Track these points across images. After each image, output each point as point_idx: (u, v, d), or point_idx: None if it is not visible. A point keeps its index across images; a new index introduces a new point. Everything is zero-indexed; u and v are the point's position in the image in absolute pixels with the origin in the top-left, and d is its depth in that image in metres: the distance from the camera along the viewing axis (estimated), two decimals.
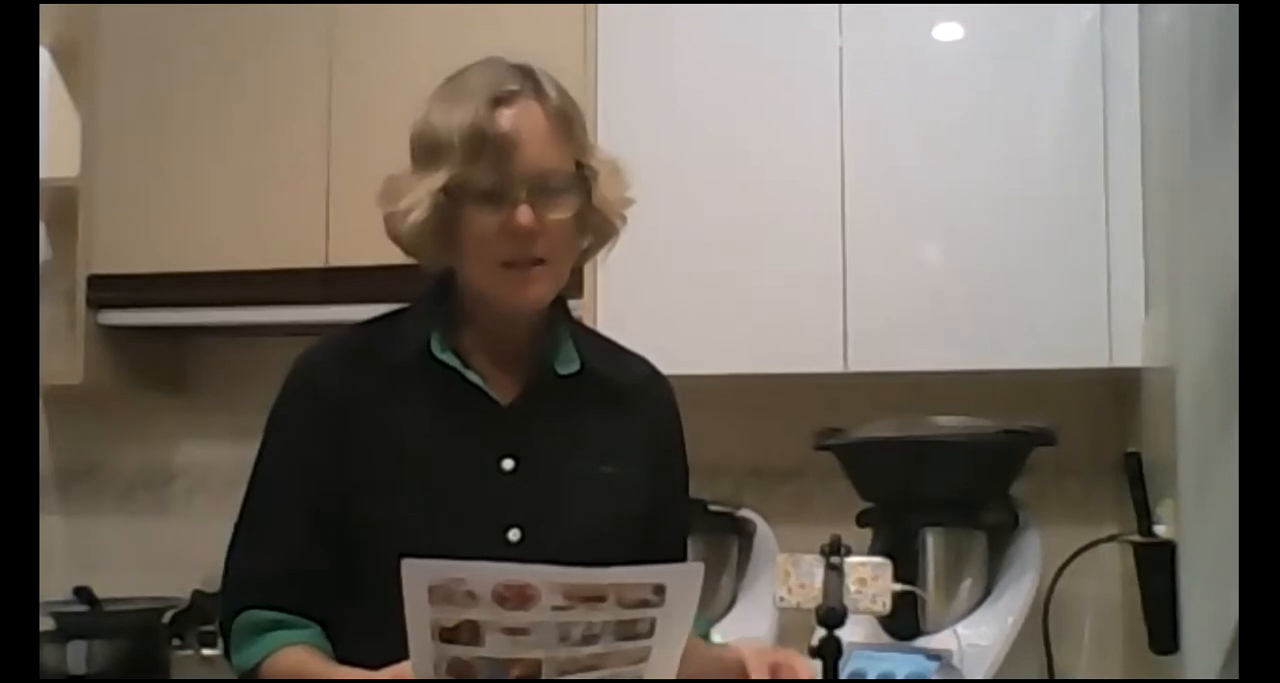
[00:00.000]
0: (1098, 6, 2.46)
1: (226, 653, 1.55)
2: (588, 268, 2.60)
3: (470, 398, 1.54)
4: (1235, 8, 1.60)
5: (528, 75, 1.52)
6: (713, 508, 2.68)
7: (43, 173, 2.19)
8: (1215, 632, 1.68)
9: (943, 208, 2.51)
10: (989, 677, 2.32)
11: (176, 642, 2.86)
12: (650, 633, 1.28)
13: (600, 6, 2.67)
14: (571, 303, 2.57)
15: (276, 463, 1.57)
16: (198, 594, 2.91)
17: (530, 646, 1.23)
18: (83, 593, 2.78)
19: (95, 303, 2.92)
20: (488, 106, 1.48)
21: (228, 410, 3.13)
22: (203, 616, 2.88)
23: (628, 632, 1.27)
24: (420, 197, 1.48)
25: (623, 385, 1.62)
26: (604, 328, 2.54)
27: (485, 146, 1.46)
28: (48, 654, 2.69)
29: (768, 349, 2.55)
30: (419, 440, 1.52)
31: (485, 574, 1.22)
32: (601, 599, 1.24)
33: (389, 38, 2.80)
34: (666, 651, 1.29)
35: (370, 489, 1.51)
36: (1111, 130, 2.43)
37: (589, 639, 1.25)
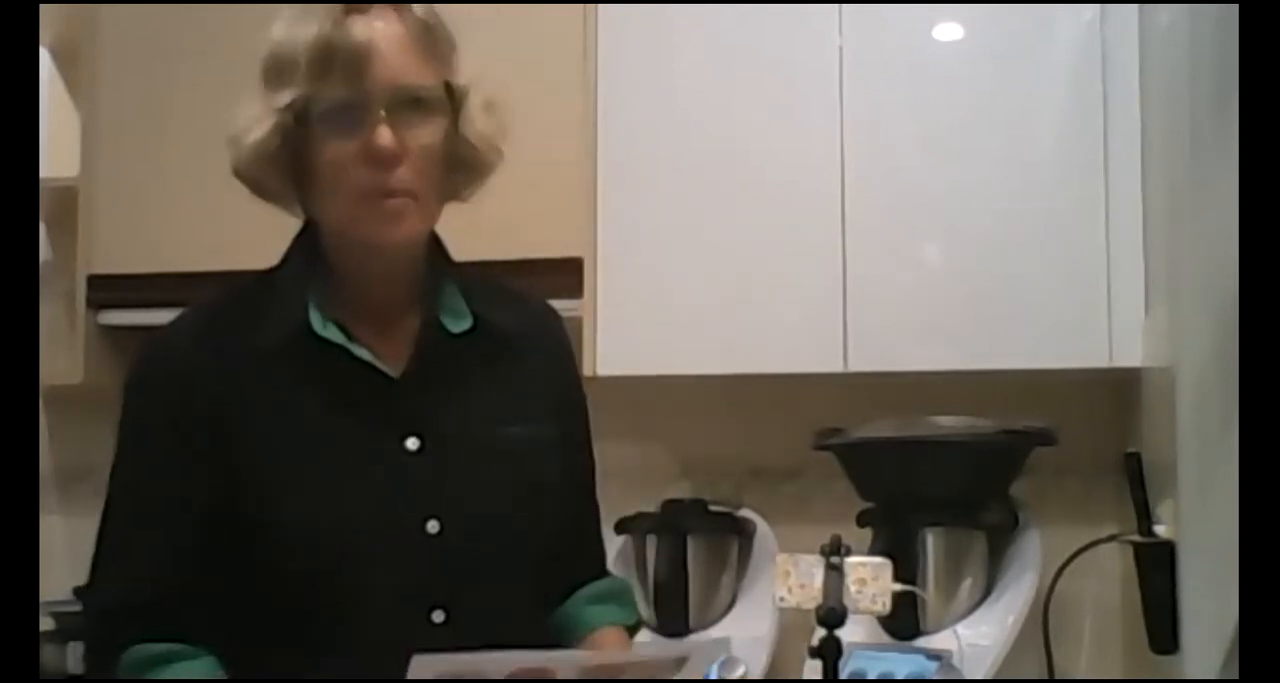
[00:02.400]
0: (1098, 6, 2.46)
1: None
2: (587, 268, 2.61)
3: (359, 375, 1.38)
4: (1235, 8, 1.60)
5: None
6: (713, 508, 2.68)
7: (43, 173, 2.18)
8: (1215, 632, 1.68)
9: (943, 208, 2.51)
10: (989, 677, 2.32)
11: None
12: None
13: (600, 6, 2.67)
14: (571, 303, 2.57)
15: (139, 476, 1.41)
16: None
17: None
18: (83, 593, 2.78)
19: (95, 303, 2.92)
20: (338, 17, 1.32)
21: None
22: None
23: None
24: (258, 116, 1.34)
25: (519, 334, 1.47)
26: (604, 328, 2.57)
27: (335, 60, 1.31)
28: (48, 654, 2.69)
29: (768, 349, 2.55)
30: (310, 431, 1.37)
31: (499, 664, 1.13)
32: (619, 674, 1.20)
33: None
34: None
35: (262, 492, 1.35)
36: (1111, 130, 2.43)
37: None
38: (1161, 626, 1.92)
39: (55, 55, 3.08)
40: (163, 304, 2.91)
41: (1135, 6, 2.43)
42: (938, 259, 2.53)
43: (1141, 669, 2.29)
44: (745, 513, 2.73)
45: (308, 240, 1.45)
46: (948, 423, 2.43)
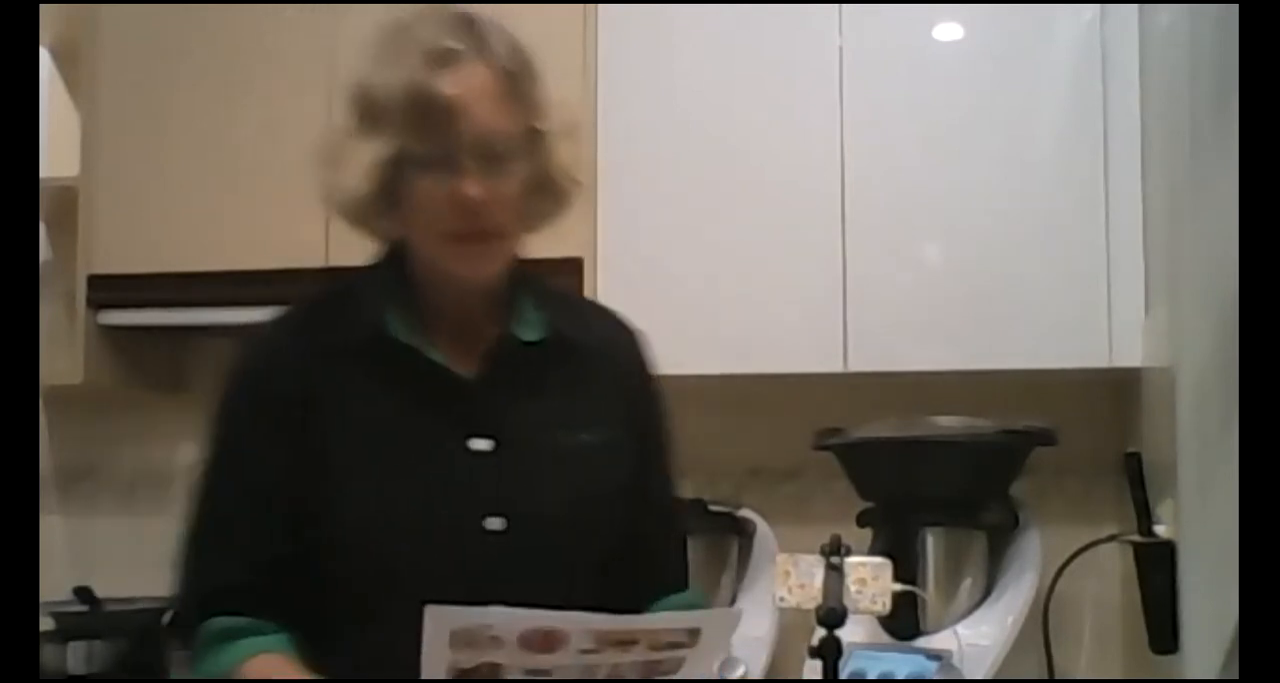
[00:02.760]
0: (1098, 6, 2.46)
1: (192, 659, 1.46)
2: (588, 267, 2.61)
3: (432, 376, 1.45)
4: (1235, 8, 1.60)
5: (474, 29, 1.42)
6: (713, 508, 2.68)
7: (43, 173, 2.18)
8: (1215, 632, 1.68)
9: (943, 208, 2.51)
10: (989, 677, 2.32)
11: (176, 642, 2.86)
12: (676, 670, 1.25)
13: (600, 6, 2.67)
14: None
15: (233, 460, 1.47)
16: None
17: None
18: (83, 593, 2.78)
19: (95, 303, 2.91)
20: (428, 68, 1.38)
21: None
22: None
23: (653, 669, 1.24)
24: (361, 169, 1.40)
25: (592, 346, 1.53)
26: None
27: (427, 113, 1.37)
28: (48, 654, 2.69)
29: (768, 349, 2.55)
30: (382, 427, 1.44)
31: (512, 620, 1.18)
32: (633, 643, 1.21)
33: None
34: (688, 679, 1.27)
35: (335, 484, 1.42)
36: (1111, 130, 2.44)
37: (613, 676, 1.22)
38: (1161, 626, 1.92)
39: (55, 55, 3.08)
40: (163, 304, 2.94)
41: (1135, 6, 2.43)
42: (938, 259, 2.53)
43: (1141, 669, 2.29)
44: (745, 513, 2.73)
45: (396, 251, 1.51)
46: (948, 423, 2.43)
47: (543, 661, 1.19)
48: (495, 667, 1.19)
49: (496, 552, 1.41)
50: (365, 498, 1.42)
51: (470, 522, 1.42)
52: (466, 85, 1.39)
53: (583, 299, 1.62)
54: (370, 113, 1.41)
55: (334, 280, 1.55)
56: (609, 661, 1.21)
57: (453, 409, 1.45)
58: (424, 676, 1.19)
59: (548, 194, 1.49)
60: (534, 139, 1.45)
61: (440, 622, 1.16)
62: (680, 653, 1.24)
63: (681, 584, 1.61)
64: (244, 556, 1.44)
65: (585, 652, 1.19)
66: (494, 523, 1.42)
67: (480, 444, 1.44)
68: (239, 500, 1.46)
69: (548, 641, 1.18)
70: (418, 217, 1.42)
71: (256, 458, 1.46)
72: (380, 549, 1.41)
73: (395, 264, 1.50)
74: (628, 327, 1.62)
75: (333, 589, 1.43)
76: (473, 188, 1.38)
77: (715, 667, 1.28)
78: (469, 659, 1.18)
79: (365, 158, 1.40)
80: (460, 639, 1.17)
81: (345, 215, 1.46)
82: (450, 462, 1.43)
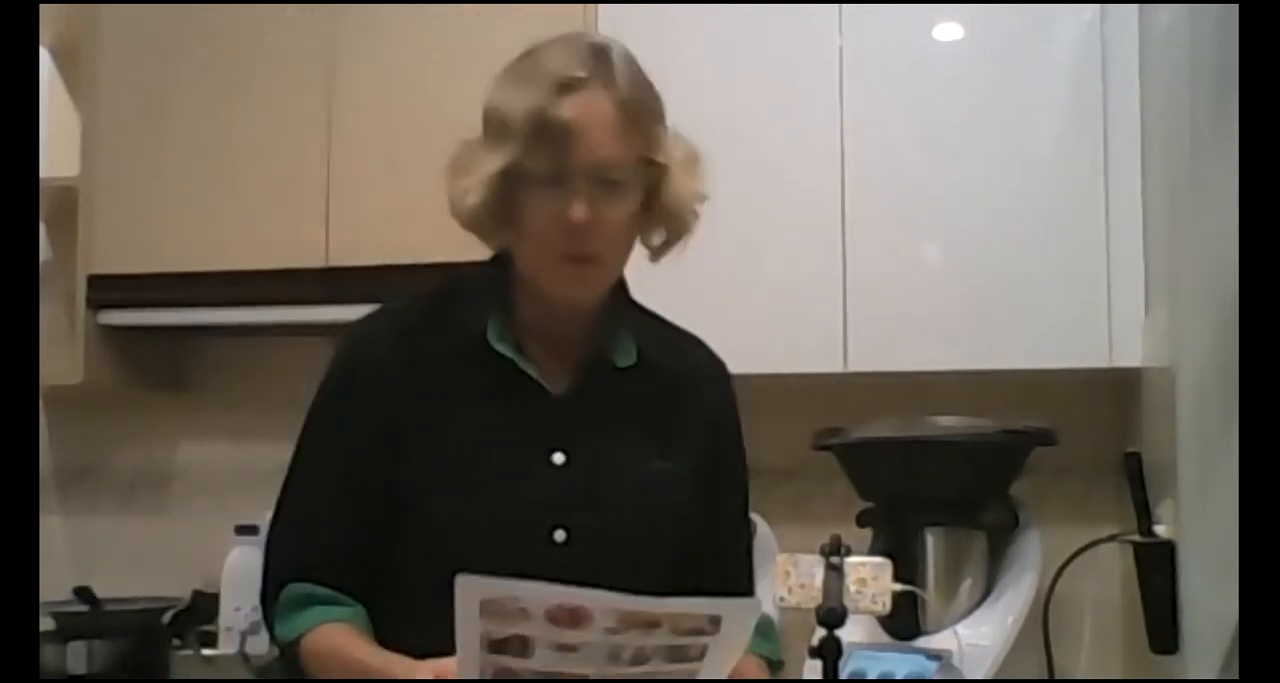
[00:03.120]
0: (1098, 6, 2.46)
1: (268, 626, 1.54)
2: None
3: (524, 388, 1.51)
4: (1235, 8, 1.60)
5: (602, 60, 1.49)
6: None
7: (43, 173, 2.19)
8: (1215, 632, 1.68)
9: (943, 208, 2.51)
10: (989, 677, 2.32)
11: (176, 642, 2.86)
12: (701, 657, 1.28)
13: (600, 6, 2.67)
14: None
15: (327, 439, 1.55)
16: (198, 594, 2.91)
17: (579, 662, 1.25)
18: (83, 593, 2.78)
19: (95, 303, 2.92)
20: (552, 93, 1.44)
21: (228, 410, 3.13)
22: (203, 616, 2.88)
23: (678, 655, 1.28)
24: (479, 179, 1.47)
25: (679, 375, 1.60)
26: None
27: (546, 135, 1.43)
28: (48, 654, 2.69)
29: (768, 349, 2.55)
30: (469, 431, 1.50)
31: (539, 595, 1.23)
32: (656, 626, 1.25)
33: (390, 38, 2.80)
34: (713, 672, 1.30)
35: (416, 479, 1.49)
36: (1111, 130, 2.43)
37: (639, 660, 1.26)
38: (1161, 626, 1.92)
39: (55, 55, 3.08)
40: (163, 304, 2.94)
41: (1135, 6, 2.43)
42: (938, 259, 2.52)
43: (1141, 669, 2.29)
44: None
45: (498, 264, 1.57)
46: (948, 423, 2.43)
47: (569, 637, 1.23)
48: (525, 640, 1.24)
49: (559, 563, 1.44)
50: (443, 499, 1.48)
51: (538, 532, 1.48)
52: (585, 112, 1.45)
53: (676, 328, 1.68)
54: (496, 130, 1.47)
55: (443, 277, 1.60)
56: (634, 642, 1.25)
57: (538, 423, 1.51)
58: (458, 644, 1.25)
59: (662, 224, 1.55)
60: (648, 169, 1.50)
61: (470, 592, 1.22)
62: (703, 640, 1.27)
63: None
64: (329, 533, 1.51)
65: (610, 631, 1.23)
66: (560, 535, 1.48)
67: (558, 458, 1.50)
68: (328, 483, 1.53)
69: (573, 617, 1.23)
70: (526, 232, 1.49)
71: (349, 446, 1.53)
72: (450, 550, 1.45)
73: (503, 271, 1.56)
74: (716, 358, 1.68)
75: (398, 580, 1.50)
76: (579, 211, 1.44)
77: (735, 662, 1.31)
78: (500, 630, 1.23)
79: (487, 170, 1.46)
80: (490, 610, 1.22)
81: (463, 221, 1.52)
82: (529, 473, 1.50)
